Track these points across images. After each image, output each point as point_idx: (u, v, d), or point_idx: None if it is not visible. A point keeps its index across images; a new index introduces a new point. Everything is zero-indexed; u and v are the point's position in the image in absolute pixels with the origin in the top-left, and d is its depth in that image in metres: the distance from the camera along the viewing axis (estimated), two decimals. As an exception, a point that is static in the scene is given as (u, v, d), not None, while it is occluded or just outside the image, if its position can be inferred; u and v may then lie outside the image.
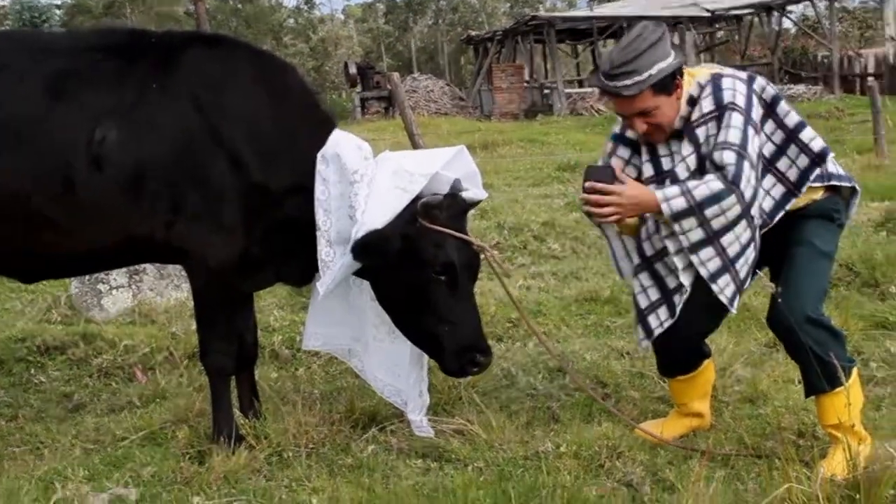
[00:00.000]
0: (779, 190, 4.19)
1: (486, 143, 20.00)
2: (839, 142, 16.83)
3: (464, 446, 4.62)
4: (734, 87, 4.08)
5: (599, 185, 4.04)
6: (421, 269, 4.37)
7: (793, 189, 4.19)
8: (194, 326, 5.05)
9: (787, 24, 42.39)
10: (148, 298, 7.28)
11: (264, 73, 4.77)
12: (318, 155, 4.47)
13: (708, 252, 4.01)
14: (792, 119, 4.21)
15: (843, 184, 4.30)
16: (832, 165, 4.27)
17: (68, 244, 4.57)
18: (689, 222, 3.95)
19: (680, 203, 3.93)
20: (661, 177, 4.26)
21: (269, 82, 4.74)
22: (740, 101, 4.03)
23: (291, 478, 4.41)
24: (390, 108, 32.99)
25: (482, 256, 4.53)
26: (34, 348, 6.42)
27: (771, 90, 4.23)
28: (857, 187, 4.37)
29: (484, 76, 38.99)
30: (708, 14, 37.03)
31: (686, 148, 4.13)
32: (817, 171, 4.18)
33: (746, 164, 3.91)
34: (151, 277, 7.42)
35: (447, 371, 4.56)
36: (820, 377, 4.04)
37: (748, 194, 3.91)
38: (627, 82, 4.06)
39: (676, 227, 3.98)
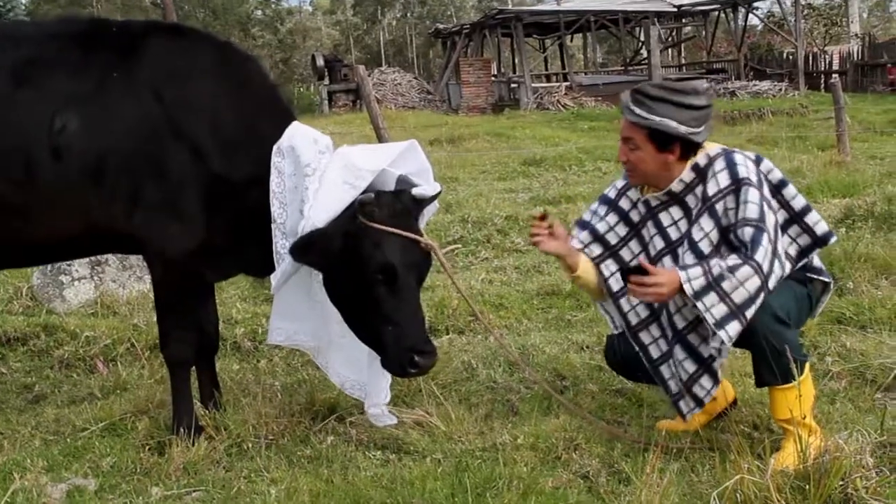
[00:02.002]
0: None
1: (453, 137, 19.99)
2: (802, 138, 16.96)
3: (423, 438, 4.66)
4: (746, 164, 4.21)
5: (644, 279, 4.07)
6: (361, 268, 4.34)
7: (792, 264, 4.32)
8: (155, 318, 5.04)
9: (753, 20, 42.71)
10: (110, 290, 7.27)
11: (225, 63, 4.78)
12: (275, 147, 4.49)
13: (734, 327, 4.04)
14: (798, 202, 4.36)
15: (822, 278, 4.43)
16: (816, 260, 4.42)
17: (29, 232, 4.57)
18: (710, 298, 4.01)
19: (700, 282, 4.01)
20: (673, 246, 4.37)
21: (230, 73, 4.76)
22: (753, 177, 4.16)
23: (250, 468, 4.44)
24: (358, 102, 32.93)
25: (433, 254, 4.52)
26: (-5, 340, 6.42)
27: (777, 173, 4.37)
28: (832, 285, 4.51)
29: (452, 70, 38.98)
30: (674, 9, 37.20)
31: (707, 223, 4.22)
32: (817, 250, 4.35)
33: (765, 237, 4.02)
34: (114, 269, 7.41)
35: (388, 370, 4.52)
36: (773, 370, 4.10)
37: (766, 266, 4.00)
38: (635, 109, 4.20)
39: (700, 306, 4.02)
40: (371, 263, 4.30)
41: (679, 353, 4.42)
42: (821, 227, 4.33)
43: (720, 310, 4.00)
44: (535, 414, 4.85)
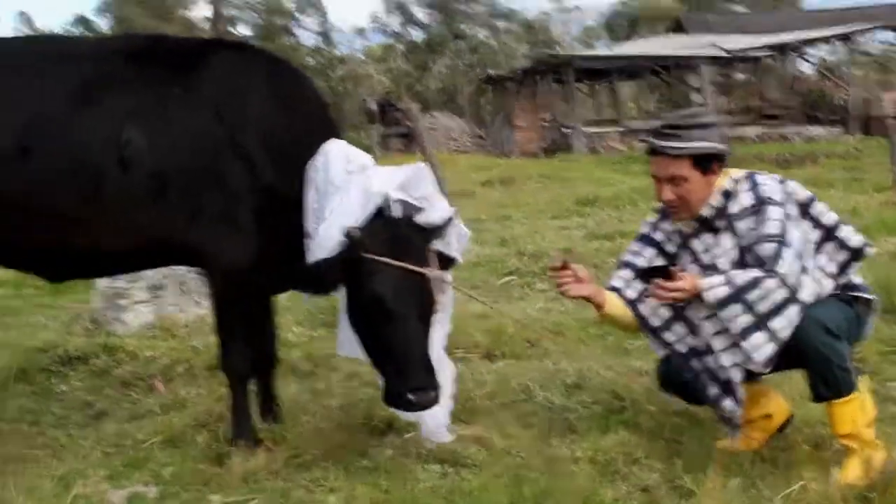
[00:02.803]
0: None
1: (505, 178, 20.10)
2: (857, 180, 16.87)
3: (480, 452, 4.65)
4: (770, 184, 4.26)
5: (667, 284, 4.14)
6: (358, 297, 4.37)
7: (834, 280, 4.32)
8: (214, 339, 5.09)
9: (804, 66, 42.55)
10: (168, 313, 7.34)
11: (280, 80, 4.88)
12: (311, 163, 4.55)
13: (757, 338, 4.05)
14: (829, 218, 4.36)
15: (864, 294, 4.40)
16: (856, 277, 4.40)
17: (93, 244, 4.66)
18: (734, 309, 4.02)
19: (723, 291, 4.04)
20: (706, 273, 4.35)
21: (285, 90, 4.85)
22: (777, 196, 4.19)
23: (309, 479, 4.45)
24: (411, 145, 33.09)
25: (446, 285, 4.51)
26: (56, 358, 6.53)
27: (803, 192, 4.38)
28: (875, 302, 4.46)
29: (504, 115, 39.12)
30: (726, 55, 37.11)
31: (728, 241, 4.27)
32: (856, 265, 4.34)
33: (786, 251, 4.04)
34: (172, 293, 7.49)
35: (386, 402, 4.45)
36: (828, 384, 4.08)
37: (792, 279, 4.01)
38: (673, 143, 4.25)
39: (724, 315, 4.05)
40: (363, 294, 4.31)
41: (707, 378, 4.42)
42: (855, 240, 4.33)
43: (744, 320, 4.03)
44: (594, 431, 4.84)
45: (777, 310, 4.00)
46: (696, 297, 4.13)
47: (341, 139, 4.77)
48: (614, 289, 4.63)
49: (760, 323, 4.02)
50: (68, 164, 4.52)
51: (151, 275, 7.38)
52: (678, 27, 47.99)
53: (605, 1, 75.72)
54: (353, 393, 5.77)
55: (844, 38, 36.91)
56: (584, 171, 22.39)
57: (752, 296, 3.99)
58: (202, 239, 4.62)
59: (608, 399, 5.42)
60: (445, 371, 4.85)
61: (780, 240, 4.06)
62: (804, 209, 4.33)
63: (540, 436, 4.84)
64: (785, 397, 4.83)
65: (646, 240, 4.68)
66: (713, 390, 4.36)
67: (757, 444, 4.57)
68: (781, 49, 37.53)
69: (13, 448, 5.04)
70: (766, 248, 4.05)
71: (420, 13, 75.30)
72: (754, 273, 4.02)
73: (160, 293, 7.45)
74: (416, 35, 75.51)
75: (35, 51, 4.83)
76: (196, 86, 4.69)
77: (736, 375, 4.26)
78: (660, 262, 4.60)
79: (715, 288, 4.04)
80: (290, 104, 4.82)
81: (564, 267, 4.54)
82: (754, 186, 4.26)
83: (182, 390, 5.92)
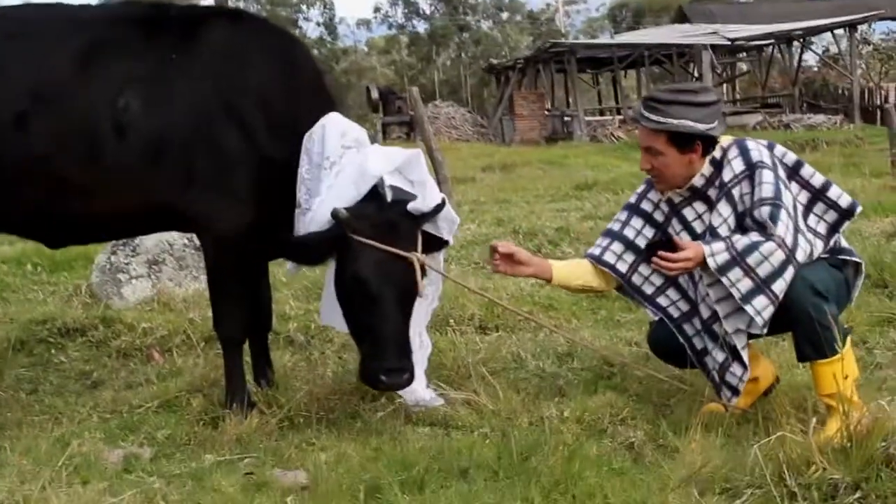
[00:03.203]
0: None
1: (506, 164, 20.14)
2: (856, 165, 16.86)
3: (471, 415, 4.72)
4: (758, 149, 4.32)
5: (670, 256, 4.18)
6: (342, 275, 4.46)
7: (824, 241, 4.39)
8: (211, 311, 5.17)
9: (807, 56, 42.55)
10: (167, 288, 7.41)
11: (279, 50, 4.94)
12: (307, 133, 4.61)
13: (761, 301, 4.13)
14: (817, 180, 4.44)
15: (853, 258, 4.48)
16: (844, 241, 4.49)
17: (91, 209, 4.73)
18: (735, 273, 4.09)
19: (724, 256, 4.10)
20: (698, 240, 4.41)
21: (283, 59, 4.91)
22: (767, 160, 4.25)
23: (301, 439, 4.53)
24: (412, 134, 33.17)
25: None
26: (55, 330, 6.58)
27: (791, 156, 4.46)
28: (862, 265, 4.55)
29: (505, 104, 39.16)
30: (728, 43, 37.09)
31: (725, 208, 4.32)
32: (846, 224, 4.41)
33: (783, 213, 4.11)
34: (171, 268, 7.56)
35: (359, 377, 4.57)
36: (813, 344, 4.14)
37: (789, 240, 4.09)
38: (651, 116, 4.32)
39: (725, 281, 4.11)
40: (346, 274, 4.41)
41: (708, 343, 4.50)
42: (844, 200, 4.40)
43: (745, 284, 4.09)
44: (582, 394, 4.91)
45: (777, 273, 4.07)
46: (700, 265, 4.20)
47: (339, 112, 4.82)
48: (594, 257, 4.72)
49: (762, 286, 4.09)
50: (66, 128, 4.59)
51: (150, 250, 7.46)
52: (682, 17, 47.99)
53: (608, -8, 75.42)
54: (346, 363, 5.84)
55: (848, 26, 36.89)
56: (584, 157, 22.40)
57: (751, 259, 4.06)
58: (197, 205, 4.68)
59: (598, 366, 5.49)
60: (423, 350, 4.94)
61: (776, 202, 4.12)
62: (793, 172, 4.40)
63: (529, 399, 4.90)
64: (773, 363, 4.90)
65: (633, 209, 4.75)
66: (719, 356, 4.43)
67: (743, 406, 4.64)
68: (784, 38, 37.52)
69: (11, 414, 5.11)
70: (763, 212, 4.12)
71: (424, 4, 75.29)
72: (753, 237, 4.09)
73: (158, 268, 7.52)
74: (421, 27, 75.49)
75: (42, 17, 4.88)
76: (194, 53, 4.75)
77: (741, 341, 4.34)
78: (649, 231, 4.68)
79: (717, 255, 4.11)
80: (288, 74, 4.88)
81: (495, 251, 4.66)
82: (744, 152, 4.32)
83: (179, 360, 5.98)
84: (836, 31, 38.25)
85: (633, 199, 4.79)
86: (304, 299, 7.28)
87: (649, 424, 4.49)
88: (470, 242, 9.57)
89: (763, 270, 4.06)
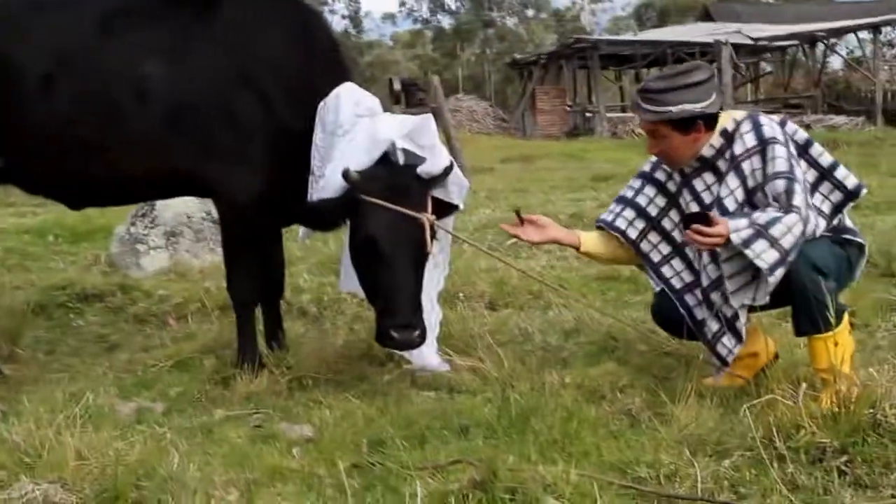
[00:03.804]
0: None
1: (525, 156, 20.22)
2: (874, 165, 16.90)
3: (475, 381, 4.84)
4: (771, 125, 4.40)
5: (704, 229, 4.20)
6: (355, 237, 4.57)
7: (827, 220, 4.46)
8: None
9: (831, 58, 42.45)
10: (184, 259, 7.56)
11: (297, 21, 5.05)
12: (322, 102, 4.72)
13: (782, 272, 4.19)
14: (826, 160, 4.50)
15: (856, 238, 4.56)
16: (848, 221, 4.56)
17: (111, 172, 4.88)
18: (761, 245, 4.14)
19: (748, 231, 4.15)
20: (707, 209, 4.50)
21: (301, 31, 5.03)
22: (779, 136, 4.33)
23: (308, 399, 4.66)
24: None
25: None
26: (74, 295, 6.77)
27: (802, 134, 4.54)
28: (865, 246, 4.62)
29: (528, 99, 39.19)
30: (751, 42, 37.00)
31: (733, 181, 4.41)
32: (850, 205, 4.49)
33: (797, 186, 4.19)
34: (188, 240, 7.71)
35: (375, 338, 4.65)
36: (811, 318, 4.22)
37: (804, 212, 4.17)
38: (649, 107, 4.39)
39: (749, 253, 4.15)
40: (358, 235, 4.52)
41: (704, 312, 4.59)
42: (851, 181, 4.47)
43: (771, 255, 4.13)
44: (584, 364, 5.01)
45: (797, 244, 4.16)
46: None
47: (354, 82, 4.92)
48: (605, 222, 4.81)
49: (786, 257, 4.15)
50: (89, 94, 4.74)
51: (168, 221, 7.61)
52: (707, 17, 47.91)
53: (634, -10, 75.34)
54: (357, 333, 5.96)
55: (872, 28, 36.76)
56: (603, 152, 22.51)
57: (775, 231, 4.11)
58: (213, 172, 4.82)
59: (603, 340, 5.59)
60: (435, 314, 5.06)
61: (791, 176, 4.21)
62: (803, 150, 4.47)
63: (533, 368, 5.01)
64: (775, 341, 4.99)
65: (646, 177, 4.83)
66: (713, 325, 4.53)
67: (742, 382, 4.73)
68: (808, 39, 37.44)
69: (29, 372, 5.27)
70: (779, 185, 4.20)
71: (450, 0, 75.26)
72: (773, 212, 4.16)
73: (176, 239, 7.66)
74: (446, 22, 75.46)
75: None
76: (214, 23, 4.88)
77: (742, 315, 4.44)
78: (661, 200, 4.76)
79: (741, 230, 4.15)
80: (305, 44, 5.00)
81: (523, 222, 4.73)
82: (757, 127, 4.39)
83: (194, 326, 6.14)
84: (860, 34, 38.08)
85: (646, 168, 4.85)
86: (319, 273, 7.42)
87: (648, 394, 4.56)
88: (484, 226, 9.69)
89: (787, 242, 4.12)
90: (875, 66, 35.22)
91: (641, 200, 4.80)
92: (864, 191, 4.51)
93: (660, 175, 4.78)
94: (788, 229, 4.12)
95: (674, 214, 4.76)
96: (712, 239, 4.20)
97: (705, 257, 4.52)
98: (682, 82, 4.37)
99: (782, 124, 4.48)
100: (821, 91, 36.88)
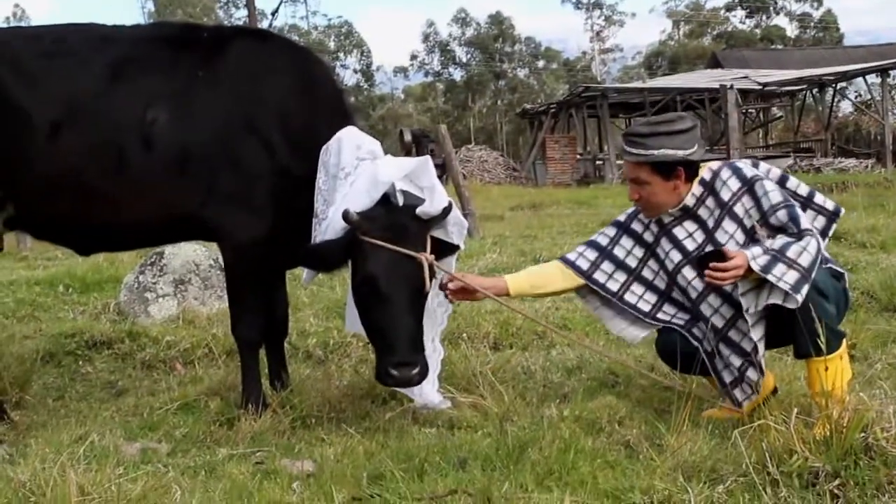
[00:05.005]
0: None
1: (535, 204, 20.31)
2: (882, 205, 16.89)
3: (476, 416, 4.89)
4: (748, 166, 4.60)
5: (722, 265, 4.27)
6: (355, 276, 4.65)
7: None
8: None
9: (841, 102, 42.55)
10: (192, 307, 7.63)
11: (300, 68, 5.17)
12: (324, 146, 4.83)
13: (807, 288, 4.25)
14: (803, 189, 4.68)
15: (836, 267, 4.67)
16: (825, 251, 4.64)
17: (118, 218, 4.98)
18: (780, 268, 4.22)
19: (765, 258, 4.24)
20: (690, 257, 4.65)
21: (304, 77, 5.14)
22: (760, 173, 4.54)
23: (311, 437, 4.73)
24: (444, 176, 33.38)
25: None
26: (83, 343, 6.85)
27: (776, 171, 4.71)
28: (846, 275, 4.74)
29: (538, 148, 39.38)
30: (758, 87, 37.19)
31: (730, 225, 4.56)
32: (833, 227, 4.66)
33: (799, 211, 4.36)
34: (196, 287, 7.79)
35: (375, 377, 4.72)
36: (812, 341, 4.26)
37: (816, 234, 4.32)
38: (632, 150, 4.57)
39: (771, 278, 4.21)
40: (358, 275, 4.59)
41: (724, 350, 4.66)
42: (830, 204, 4.66)
43: (792, 276, 4.20)
44: (584, 399, 5.05)
45: (815, 262, 4.25)
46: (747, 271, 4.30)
47: (355, 126, 5.03)
48: (568, 261, 5.01)
49: (807, 275, 4.22)
50: (97, 140, 4.85)
51: (177, 269, 7.70)
52: (716, 64, 48.21)
53: (644, 41, 75.84)
54: (362, 374, 6.01)
55: (881, 72, 36.91)
56: (614, 198, 22.52)
57: (791, 252, 4.21)
58: (217, 215, 4.92)
59: (604, 376, 5.64)
60: (437, 353, 5.12)
61: (789, 203, 4.36)
62: (780, 185, 4.60)
63: (533, 403, 5.07)
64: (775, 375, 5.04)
65: (622, 227, 4.97)
66: (735, 361, 4.61)
67: (739, 415, 4.77)
68: (816, 83, 37.61)
69: (38, 417, 5.34)
70: (782, 215, 4.34)
71: (461, 52, 75.88)
72: (786, 238, 4.28)
73: (185, 287, 7.75)
74: (457, 74, 76.02)
75: (76, 36, 5.13)
76: (219, 70, 5.01)
77: (761, 348, 4.50)
78: (638, 251, 4.90)
79: (758, 258, 4.23)
80: (308, 90, 5.12)
81: (449, 289, 4.92)
82: (736, 171, 4.57)
83: (200, 371, 6.20)
84: (869, 78, 38.23)
85: (622, 218, 4.99)
86: (325, 317, 7.48)
87: (647, 425, 4.61)
88: (490, 270, 9.73)
89: (804, 260, 4.21)
90: (884, 108, 35.32)
91: (619, 252, 4.93)
92: (843, 211, 4.68)
93: (636, 226, 4.91)
94: (804, 249, 4.23)
95: (652, 264, 4.89)
96: (733, 272, 4.27)
97: (713, 300, 4.60)
98: (666, 129, 4.53)
99: (755, 165, 4.64)
100: (830, 134, 37.00)
